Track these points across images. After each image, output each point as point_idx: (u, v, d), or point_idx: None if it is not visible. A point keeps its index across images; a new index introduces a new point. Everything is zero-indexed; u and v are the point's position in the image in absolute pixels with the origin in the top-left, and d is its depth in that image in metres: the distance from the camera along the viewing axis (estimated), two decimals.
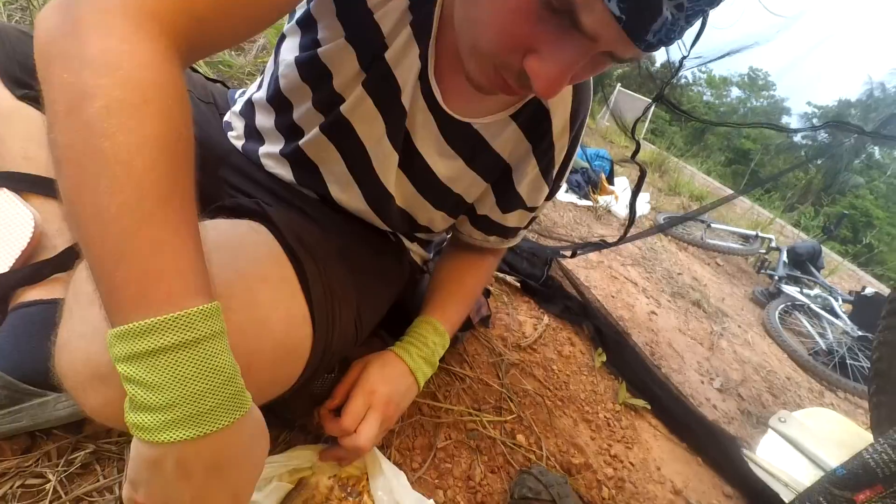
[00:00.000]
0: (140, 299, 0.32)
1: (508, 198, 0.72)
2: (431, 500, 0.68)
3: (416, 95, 0.60)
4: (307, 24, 0.61)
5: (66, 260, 0.61)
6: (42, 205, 0.62)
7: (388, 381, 0.66)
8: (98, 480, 0.60)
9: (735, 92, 33.01)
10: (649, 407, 1.24)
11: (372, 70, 0.58)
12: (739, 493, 1.11)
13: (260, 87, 0.72)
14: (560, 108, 0.64)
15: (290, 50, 0.63)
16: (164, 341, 0.32)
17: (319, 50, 0.59)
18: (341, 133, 0.63)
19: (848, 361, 2.35)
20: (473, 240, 0.79)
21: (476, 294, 0.86)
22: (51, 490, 0.57)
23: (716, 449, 1.16)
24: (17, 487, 0.56)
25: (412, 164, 0.65)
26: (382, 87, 0.59)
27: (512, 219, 0.75)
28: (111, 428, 0.65)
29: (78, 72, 0.32)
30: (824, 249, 3.86)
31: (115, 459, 0.62)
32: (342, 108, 0.61)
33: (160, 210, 0.33)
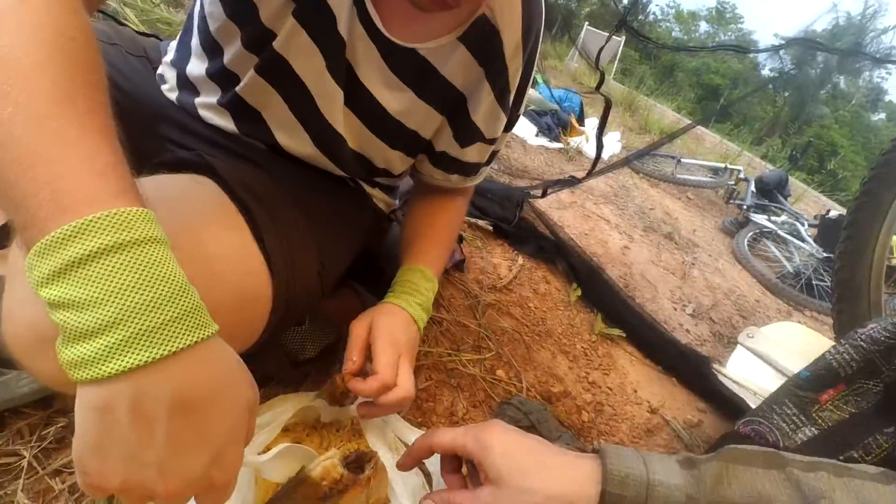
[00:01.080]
0: (54, 207, 0.27)
1: (465, 130, 0.69)
2: None
3: (354, 22, 0.56)
4: None
5: (2, 237, 0.57)
6: None
7: (401, 329, 0.64)
8: None
9: (704, 26, 32.72)
10: (625, 335, 1.27)
11: None
12: (712, 407, 1.17)
13: (188, 31, 0.66)
14: (510, 27, 0.60)
15: None
16: (92, 245, 0.27)
17: None
18: (279, 72, 0.59)
19: (814, 282, 2.45)
20: (435, 180, 0.77)
21: (451, 235, 0.84)
22: (26, 466, 0.56)
23: (688, 368, 1.21)
24: None
25: (359, 99, 0.62)
26: (315, 17, 0.55)
27: (471, 153, 0.72)
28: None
29: None
30: (791, 178, 3.96)
31: None
32: (275, 44, 0.56)
33: (60, 110, 0.29)
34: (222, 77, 0.62)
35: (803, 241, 2.84)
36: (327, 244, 0.63)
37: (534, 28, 0.63)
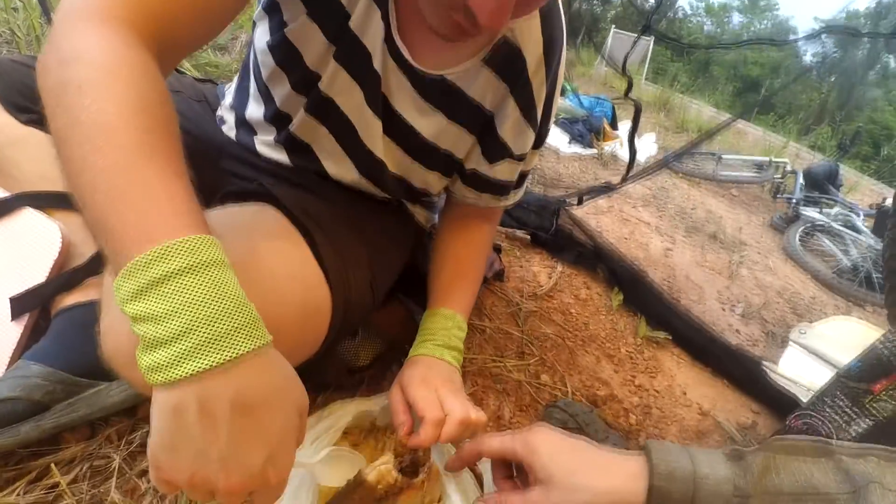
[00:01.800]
0: (140, 236, 0.33)
1: (493, 146, 0.71)
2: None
3: (386, 58, 0.60)
4: (272, 8, 0.62)
5: (96, 265, 0.65)
6: (65, 218, 0.67)
7: (428, 370, 0.65)
8: None
9: (737, 18, 31.65)
10: (671, 338, 1.26)
11: (339, 41, 0.59)
12: (765, 409, 1.13)
13: (244, 78, 0.74)
14: (531, 44, 0.63)
15: (262, 36, 0.64)
16: (169, 267, 0.32)
17: (286, 30, 0.60)
18: (325, 110, 0.64)
19: (874, 276, 2.32)
20: (467, 199, 0.79)
21: (477, 267, 0.82)
22: (116, 468, 0.62)
23: (739, 370, 1.18)
24: (87, 469, 0.61)
25: (396, 127, 0.66)
26: (353, 57, 0.60)
27: (501, 170, 0.74)
28: None
29: (56, 70, 0.37)
30: (843, 167, 3.76)
31: None
32: (320, 85, 0.62)
33: (145, 163, 0.35)
34: (277, 119, 0.69)
35: (859, 232, 2.70)
36: (377, 259, 0.67)
37: (555, 41, 0.65)
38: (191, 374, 0.32)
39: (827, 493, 0.38)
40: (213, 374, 0.33)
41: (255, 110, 0.71)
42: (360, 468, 0.55)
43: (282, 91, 0.65)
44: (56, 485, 0.58)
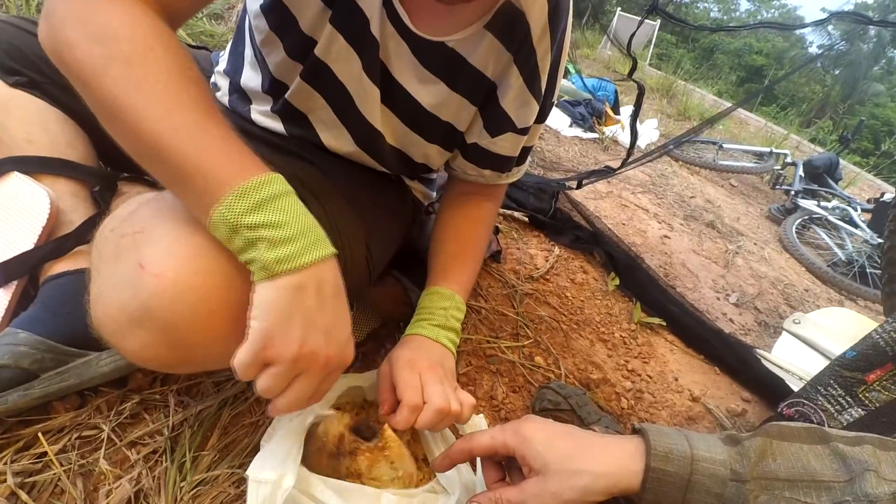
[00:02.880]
0: (237, 168, 0.41)
1: (495, 118, 0.69)
2: (482, 415, 0.68)
3: (385, 22, 0.58)
4: None
5: (85, 232, 0.63)
6: (53, 183, 0.65)
7: (417, 351, 0.64)
8: (148, 426, 0.64)
9: (744, 5, 31.21)
10: (665, 324, 1.26)
11: (335, 4, 0.57)
12: (757, 397, 1.14)
13: (238, 43, 0.71)
14: (535, 9, 0.61)
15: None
16: (274, 190, 0.41)
17: None
18: (321, 77, 0.62)
19: (868, 270, 2.34)
20: (468, 175, 0.77)
21: (479, 246, 0.81)
22: (105, 438, 0.61)
23: (732, 357, 1.19)
24: (76, 439, 0.61)
25: (394, 96, 0.64)
26: (350, 21, 0.58)
27: (503, 144, 0.72)
28: (153, 377, 0.69)
29: (91, 46, 0.41)
30: (842, 161, 3.75)
31: (161, 407, 0.67)
32: (316, 50, 0.60)
33: (208, 118, 0.42)
34: (272, 88, 0.66)
35: (856, 226, 2.71)
36: (373, 233, 0.66)
37: (560, 8, 0.62)
38: (311, 262, 0.41)
39: (823, 480, 0.38)
40: (322, 264, 0.42)
41: (250, 78, 0.69)
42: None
43: (276, 57, 0.63)
44: (44, 454, 0.57)
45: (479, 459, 0.55)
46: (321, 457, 0.57)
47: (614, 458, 0.44)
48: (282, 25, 0.60)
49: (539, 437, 0.46)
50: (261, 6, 0.60)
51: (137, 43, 0.41)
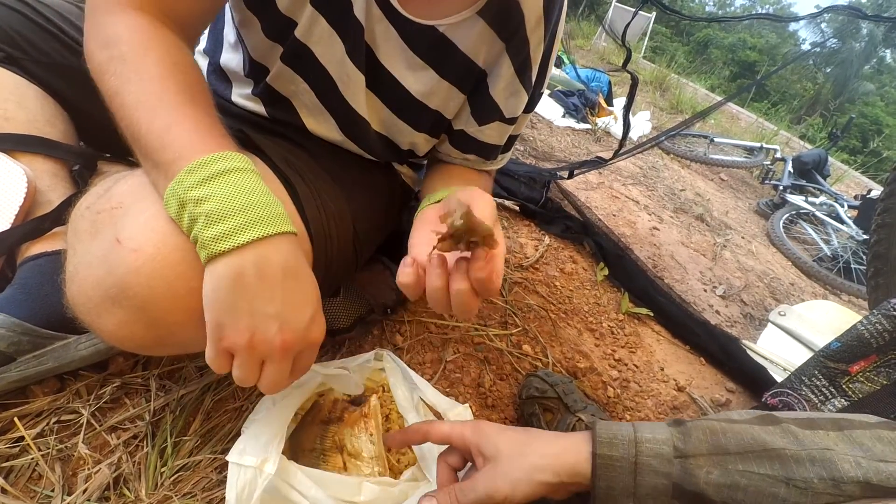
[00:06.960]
0: (197, 144, 0.41)
1: (484, 106, 0.67)
2: (467, 405, 0.69)
3: (370, 4, 0.55)
4: None
5: (63, 213, 0.61)
6: (30, 162, 0.63)
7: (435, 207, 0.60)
8: (128, 410, 0.63)
9: (739, 0, 31.23)
10: (652, 315, 1.27)
11: None
12: (741, 388, 1.16)
13: (218, 21, 0.68)
14: None
15: None
16: (227, 166, 0.40)
17: None
18: (302, 60, 0.59)
19: (852, 265, 2.37)
20: (452, 159, 0.75)
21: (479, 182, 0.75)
22: (85, 423, 0.60)
23: (717, 348, 1.20)
24: (54, 423, 0.60)
25: (381, 82, 0.61)
26: (332, 2, 0.55)
27: (489, 133, 0.70)
28: (135, 361, 0.68)
29: (100, 51, 0.46)
30: (831, 159, 3.79)
31: (142, 391, 0.66)
32: (297, 32, 0.57)
33: (188, 104, 0.44)
34: (253, 70, 0.64)
35: (843, 222, 2.74)
36: (361, 216, 0.65)
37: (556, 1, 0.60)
38: (250, 241, 0.38)
39: (775, 447, 0.38)
40: (265, 243, 0.39)
41: (230, 59, 0.66)
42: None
43: (255, 38, 0.60)
44: (21, 438, 0.56)
45: (435, 464, 0.55)
46: (313, 427, 0.61)
47: (562, 443, 0.46)
48: (258, 4, 0.57)
49: (494, 429, 0.49)
50: None
51: (135, 44, 0.45)
